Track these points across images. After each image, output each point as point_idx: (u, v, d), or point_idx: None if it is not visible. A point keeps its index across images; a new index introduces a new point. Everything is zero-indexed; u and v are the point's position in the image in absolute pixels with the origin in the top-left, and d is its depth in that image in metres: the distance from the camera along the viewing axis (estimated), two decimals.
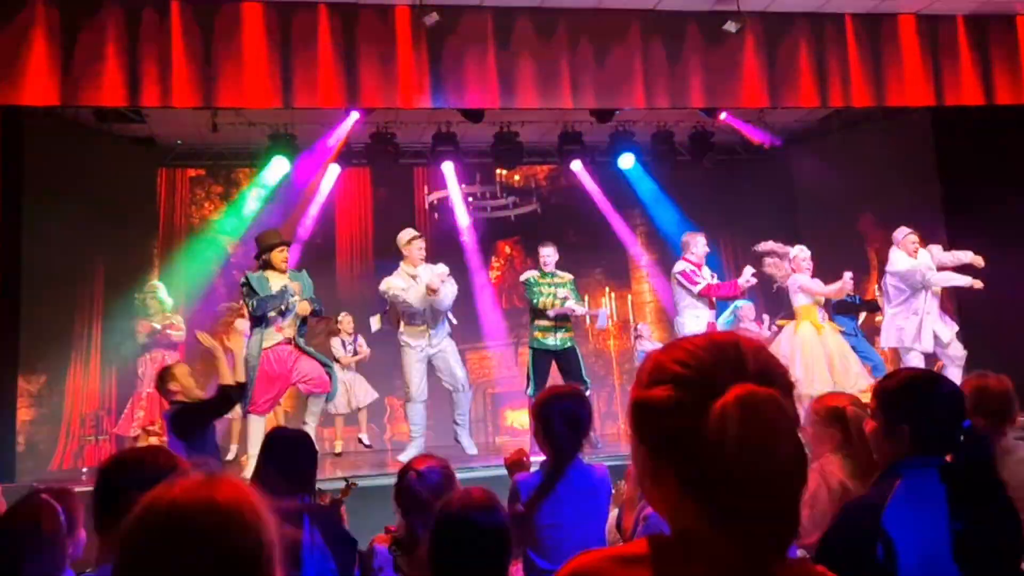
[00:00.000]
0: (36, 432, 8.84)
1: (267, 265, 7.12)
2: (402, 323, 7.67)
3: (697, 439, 1.01)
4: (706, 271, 8.18)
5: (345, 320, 9.47)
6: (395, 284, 7.51)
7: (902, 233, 8.18)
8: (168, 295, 9.17)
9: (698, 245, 8.16)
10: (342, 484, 4.11)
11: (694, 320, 7.99)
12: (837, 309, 8.70)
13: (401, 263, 7.71)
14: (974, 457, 2.12)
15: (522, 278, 8.15)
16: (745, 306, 9.30)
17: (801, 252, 8.31)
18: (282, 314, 6.98)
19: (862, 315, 9.25)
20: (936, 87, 8.17)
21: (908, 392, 2.21)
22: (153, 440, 8.50)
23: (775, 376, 1.06)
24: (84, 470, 8.74)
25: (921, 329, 7.96)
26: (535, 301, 7.90)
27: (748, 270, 8.05)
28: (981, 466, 2.14)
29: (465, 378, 7.78)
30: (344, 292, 10.86)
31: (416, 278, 7.53)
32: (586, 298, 9.01)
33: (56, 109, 7.73)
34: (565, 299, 7.85)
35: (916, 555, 1.95)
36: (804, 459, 1.03)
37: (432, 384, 7.77)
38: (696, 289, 8.00)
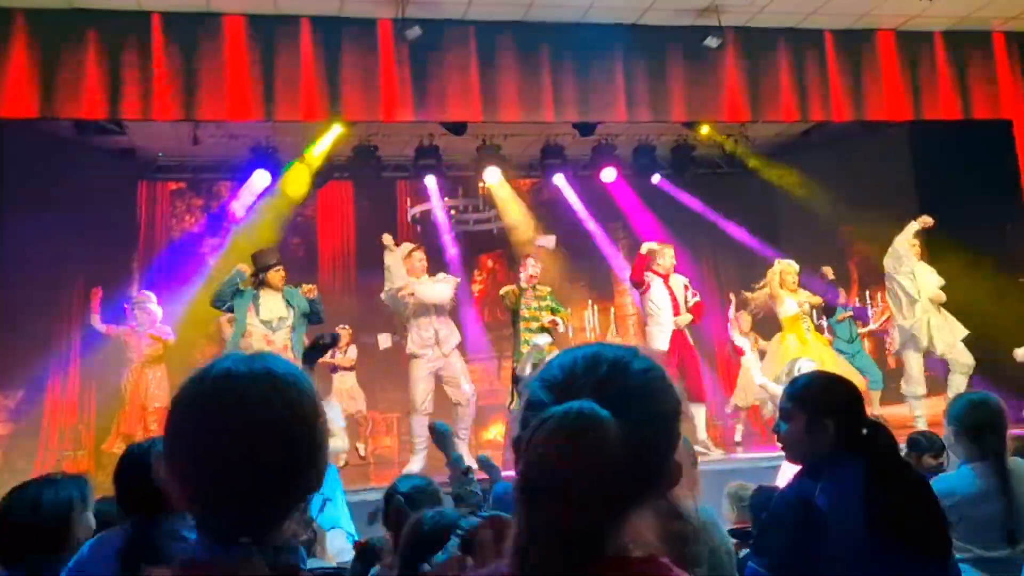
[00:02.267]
0: (13, 446, 8.74)
1: (263, 284, 7.15)
2: (410, 333, 7.63)
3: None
4: (676, 280, 8.09)
5: (344, 332, 9.44)
6: (399, 271, 7.47)
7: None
8: (158, 305, 9.06)
9: (664, 257, 8.08)
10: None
11: (658, 330, 7.95)
12: (827, 314, 8.85)
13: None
14: (886, 447, 2.27)
15: (501, 292, 8.10)
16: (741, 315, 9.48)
17: (787, 266, 8.30)
18: (268, 327, 7.00)
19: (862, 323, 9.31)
20: (914, 102, 8.25)
21: (828, 390, 2.39)
22: None
23: (633, 403, 1.05)
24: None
25: (926, 328, 8.04)
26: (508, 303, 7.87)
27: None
28: (893, 454, 2.30)
29: (472, 393, 7.64)
30: (326, 306, 10.80)
31: (433, 278, 7.58)
32: (568, 310, 8.96)
33: (35, 121, 7.68)
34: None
35: (842, 538, 2.10)
36: (603, 480, 0.99)
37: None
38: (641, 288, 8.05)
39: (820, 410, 2.32)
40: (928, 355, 8.18)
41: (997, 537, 2.82)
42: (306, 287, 7.17)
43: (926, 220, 8.06)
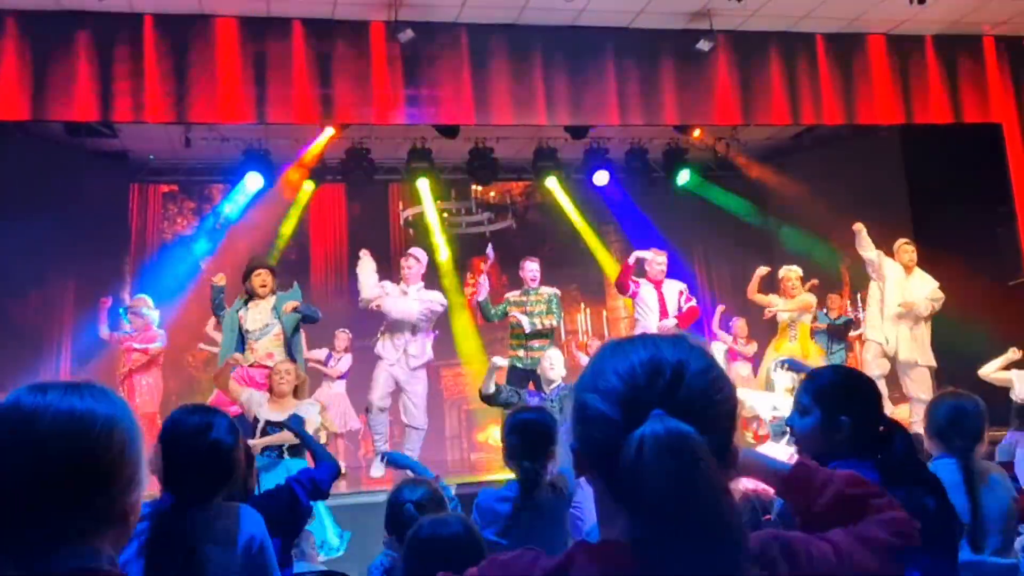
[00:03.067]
0: None
1: (250, 291, 7.09)
2: (383, 338, 7.58)
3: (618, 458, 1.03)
4: (671, 287, 8.08)
5: (341, 336, 9.37)
6: (367, 282, 7.38)
7: (897, 244, 8.18)
8: (154, 308, 8.98)
9: (651, 265, 8.09)
10: None
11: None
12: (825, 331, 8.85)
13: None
14: (903, 449, 2.19)
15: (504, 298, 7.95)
16: (739, 322, 9.48)
17: (786, 272, 8.30)
18: (246, 334, 6.95)
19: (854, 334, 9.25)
20: (905, 105, 8.29)
21: (846, 386, 2.32)
22: None
23: (700, 408, 1.06)
24: None
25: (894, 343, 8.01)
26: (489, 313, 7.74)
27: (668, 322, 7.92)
28: (910, 456, 2.21)
29: (422, 419, 7.57)
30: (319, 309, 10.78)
31: (406, 295, 7.49)
32: (554, 320, 8.91)
33: (26, 123, 7.66)
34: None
35: None
36: (720, 493, 1.01)
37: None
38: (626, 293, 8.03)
39: (836, 406, 2.26)
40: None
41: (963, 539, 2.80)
42: (287, 305, 7.01)
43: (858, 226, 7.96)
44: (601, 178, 10.68)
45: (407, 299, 7.45)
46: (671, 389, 1.07)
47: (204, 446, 2.28)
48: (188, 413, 2.38)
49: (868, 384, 2.35)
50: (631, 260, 7.95)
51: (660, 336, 1.15)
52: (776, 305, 8.21)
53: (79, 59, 6.80)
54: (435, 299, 7.56)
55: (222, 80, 7.02)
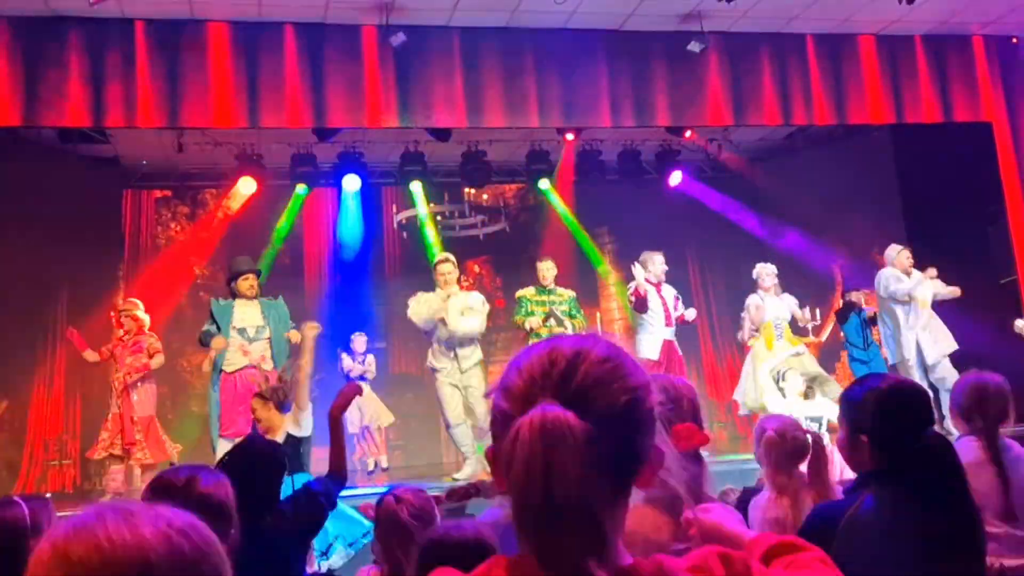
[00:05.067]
0: None
1: (235, 293, 7.09)
2: (432, 346, 7.53)
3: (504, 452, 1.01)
4: (667, 289, 8.14)
5: (358, 339, 9.39)
6: (421, 309, 7.36)
7: (895, 250, 8.20)
8: (145, 312, 8.93)
9: (655, 264, 8.11)
10: None
11: (649, 339, 7.95)
12: (841, 320, 8.85)
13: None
14: (943, 467, 2.07)
15: (517, 295, 7.96)
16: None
17: (764, 270, 8.33)
18: (244, 336, 6.95)
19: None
20: (896, 105, 8.32)
21: (863, 404, 2.20)
22: (117, 465, 8.36)
23: (593, 396, 1.03)
24: (47, 495, 8.58)
25: (905, 343, 8.07)
26: (515, 317, 7.80)
27: (692, 312, 8.12)
28: (952, 477, 2.07)
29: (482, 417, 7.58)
30: (311, 313, 10.76)
31: (448, 302, 7.41)
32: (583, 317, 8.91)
33: (18, 129, 7.65)
34: (549, 316, 7.69)
35: (871, 566, 1.92)
36: (588, 482, 0.98)
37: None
38: (634, 307, 8.06)
39: (858, 423, 2.19)
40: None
41: (993, 513, 2.77)
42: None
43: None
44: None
45: (470, 315, 7.34)
46: (565, 378, 1.03)
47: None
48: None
49: (896, 397, 2.20)
50: (641, 291, 7.93)
51: (568, 334, 1.13)
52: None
53: (71, 64, 6.80)
54: (482, 303, 7.54)
55: (214, 84, 7.03)
